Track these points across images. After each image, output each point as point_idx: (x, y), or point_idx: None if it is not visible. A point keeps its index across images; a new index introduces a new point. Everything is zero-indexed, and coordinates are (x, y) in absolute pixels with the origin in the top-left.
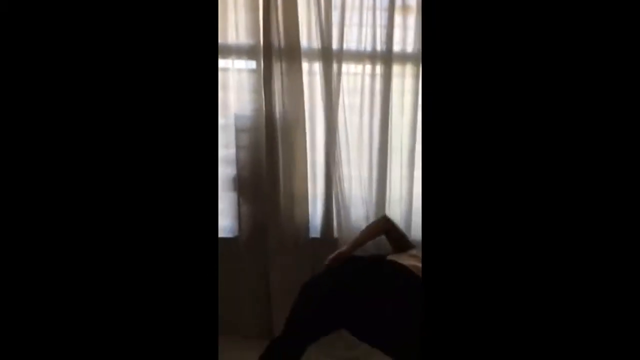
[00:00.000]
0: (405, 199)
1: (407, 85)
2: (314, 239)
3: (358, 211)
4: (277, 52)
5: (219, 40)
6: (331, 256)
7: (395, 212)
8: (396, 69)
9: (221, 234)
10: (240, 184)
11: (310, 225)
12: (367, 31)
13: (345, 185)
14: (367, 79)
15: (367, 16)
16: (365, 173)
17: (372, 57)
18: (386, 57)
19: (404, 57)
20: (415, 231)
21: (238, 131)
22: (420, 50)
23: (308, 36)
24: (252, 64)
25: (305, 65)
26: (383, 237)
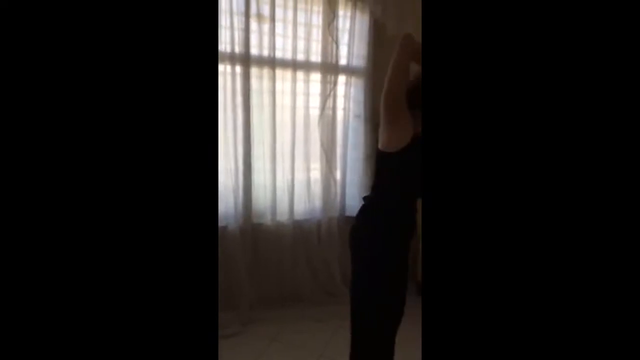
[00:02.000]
0: (269, 188)
1: (264, 86)
2: None
3: (226, 199)
4: None
5: None
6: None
7: (261, 199)
8: (254, 70)
9: None
10: None
11: None
12: (226, 33)
13: None
14: (229, 78)
15: (226, 19)
16: (231, 164)
17: (231, 58)
18: (244, 59)
19: (261, 61)
20: (281, 216)
21: None
22: (275, 55)
23: None
24: None
25: None
26: None
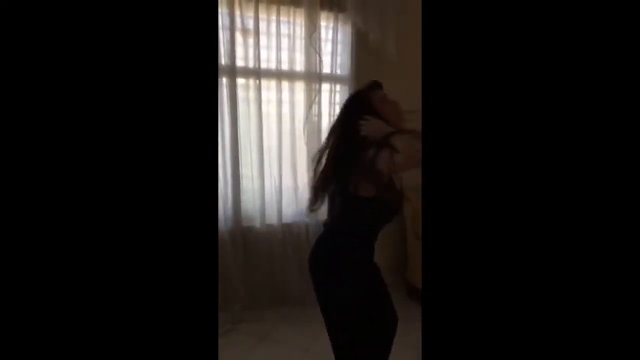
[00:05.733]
0: (257, 193)
1: (250, 96)
2: None
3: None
4: None
5: None
6: None
7: (250, 203)
8: (241, 81)
9: None
10: None
11: None
12: None
13: None
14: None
15: None
16: (219, 171)
17: (218, 70)
18: (230, 71)
19: (246, 72)
20: (270, 219)
21: None
22: (260, 66)
23: None
24: None
25: None
26: None
